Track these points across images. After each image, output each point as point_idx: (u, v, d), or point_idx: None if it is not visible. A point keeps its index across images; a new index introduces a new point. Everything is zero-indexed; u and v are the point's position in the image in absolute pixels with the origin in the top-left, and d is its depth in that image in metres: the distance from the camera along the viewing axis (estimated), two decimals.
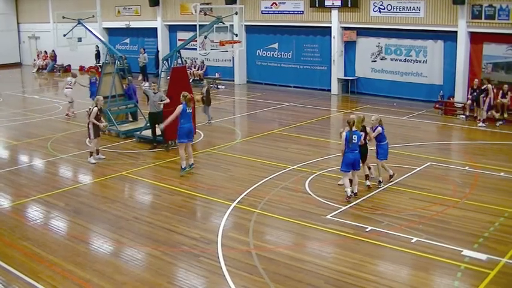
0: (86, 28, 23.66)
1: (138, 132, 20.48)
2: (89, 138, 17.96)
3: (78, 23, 23.54)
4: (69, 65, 43.34)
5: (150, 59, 37.28)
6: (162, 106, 18.62)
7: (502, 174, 16.02)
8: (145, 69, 36.13)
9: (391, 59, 28.87)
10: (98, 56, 41.49)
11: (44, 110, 26.96)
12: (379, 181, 15.12)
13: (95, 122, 17.40)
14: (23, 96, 32.51)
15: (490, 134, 21.56)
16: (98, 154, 17.94)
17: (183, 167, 16.23)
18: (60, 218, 13.40)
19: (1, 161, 18.57)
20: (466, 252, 10.96)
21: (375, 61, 29.53)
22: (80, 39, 24.64)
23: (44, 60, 44.79)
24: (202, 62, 35.92)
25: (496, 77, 24.49)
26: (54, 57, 44.09)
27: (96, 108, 17.50)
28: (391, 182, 15.25)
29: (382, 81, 29.34)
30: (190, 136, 16.41)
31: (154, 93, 18.73)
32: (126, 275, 10.41)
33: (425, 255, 10.96)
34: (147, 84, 33.51)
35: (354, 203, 13.80)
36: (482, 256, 10.80)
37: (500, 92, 23.07)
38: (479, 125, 22.58)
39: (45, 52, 44.98)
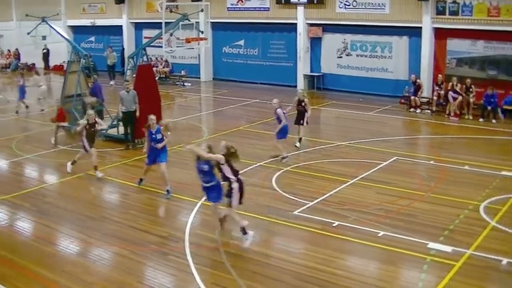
0: (51, 26, 23.33)
1: (103, 131, 20.28)
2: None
3: (43, 21, 23.21)
4: (34, 64, 42.65)
5: (116, 57, 36.86)
6: (135, 105, 18.46)
7: (466, 167, 16.27)
8: (114, 68, 35.71)
9: (357, 55, 29.11)
10: (47, 55, 40.88)
11: (8, 110, 26.53)
12: (283, 157, 17.08)
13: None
14: None
15: (454, 129, 21.87)
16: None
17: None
18: (26, 219, 13.22)
19: None
20: (432, 244, 11.12)
21: (340, 57, 29.71)
22: (44, 38, 24.33)
23: (7, 59, 44.08)
24: (166, 60, 35.69)
25: (460, 72, 24.83)
26: (17, 56, 43.39)
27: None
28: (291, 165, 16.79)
29: (348, 77, 29.53)
30: None
31: (127, 92, 18.52)
32: (95, 275, 10.33)
33: (392, 248, 11.09)
34: (112, 83, 33.25)
35: (321, 198, 13.89)
36: (448, 248, 10.97)
37: (464, 86, 23.45)
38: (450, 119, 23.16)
39: (9, 51, 44.28)
